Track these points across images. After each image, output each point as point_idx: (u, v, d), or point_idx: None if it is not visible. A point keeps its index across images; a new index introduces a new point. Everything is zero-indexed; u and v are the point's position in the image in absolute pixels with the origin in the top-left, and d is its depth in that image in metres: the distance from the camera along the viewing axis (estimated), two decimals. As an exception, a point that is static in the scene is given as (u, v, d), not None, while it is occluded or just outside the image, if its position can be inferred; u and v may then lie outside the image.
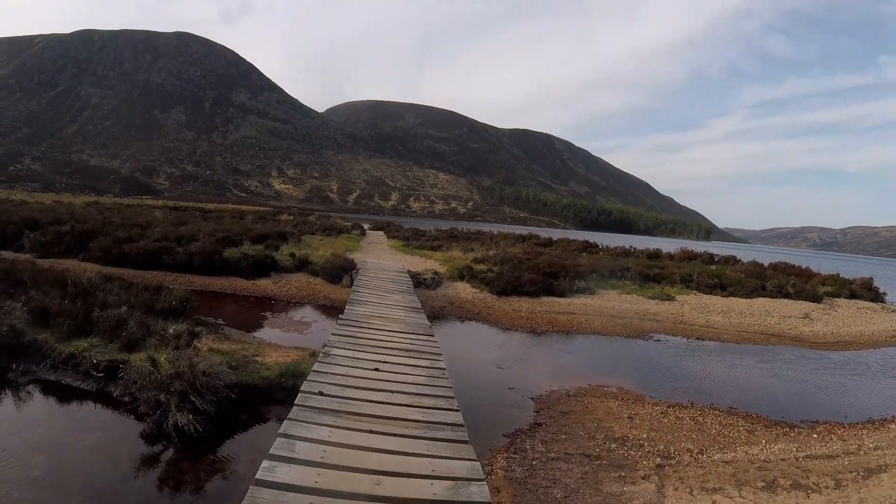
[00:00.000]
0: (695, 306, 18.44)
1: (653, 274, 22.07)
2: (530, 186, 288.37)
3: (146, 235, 19.43)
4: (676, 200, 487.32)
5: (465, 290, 16.98)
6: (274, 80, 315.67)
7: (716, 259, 33.80)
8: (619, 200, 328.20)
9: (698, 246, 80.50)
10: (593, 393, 9.05)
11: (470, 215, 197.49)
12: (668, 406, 8.75)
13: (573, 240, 39.30)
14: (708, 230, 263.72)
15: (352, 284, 14.19)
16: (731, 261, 33.70)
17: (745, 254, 47.14)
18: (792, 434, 8.13)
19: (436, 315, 14.07)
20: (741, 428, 8.13)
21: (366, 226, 48.54)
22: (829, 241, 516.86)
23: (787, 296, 21.80)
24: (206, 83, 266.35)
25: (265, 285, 15.90)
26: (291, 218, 47.14)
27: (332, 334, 7.70)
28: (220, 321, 11.33)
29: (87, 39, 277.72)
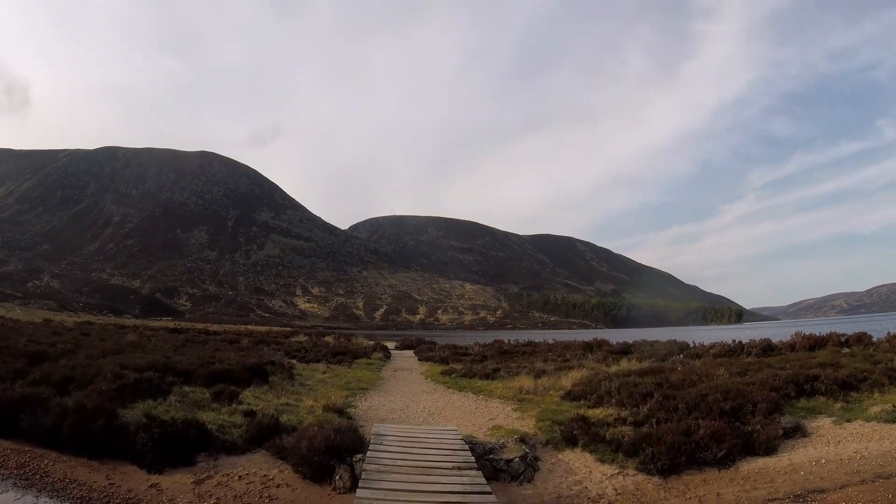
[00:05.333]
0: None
1: (845, 378, 13.10)
2: (557, 290, 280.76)
3: (26, 374, 11.62)
4: (701, 288, 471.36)
5: (588, 471, 8.40)
6: (296, 198, 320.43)
7: (843, 339, 24.54)
8: (646, 295, 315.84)
9: (731, 331, 70.52)
10: None
11: (500, 324, 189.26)
12: None
13: (653, 341, 30.35)
14: (738, 313, 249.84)
15: (353, 488, 6.49)
16: (864, 340, 24.25)
17: (785, 330, 38.14)
18: None
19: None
20: None
21: (391, 344, 40.26)
22: (856, 304, 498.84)
23: None
24: (228, 202, 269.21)
25: (176, 489, 7.63)
26: (306, 339, 39.52)
27: None
28: None
29: (111, 156, 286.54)
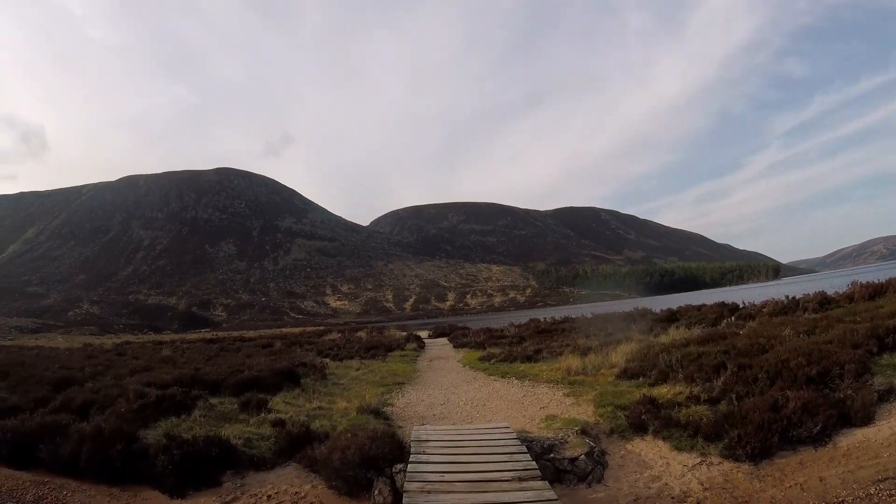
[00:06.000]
0: None
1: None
2: (585, 262, 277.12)
3: (48, 401, 10.96)
4: (734, 246, 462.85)
5: (665, 463, 7.31)
6: (316, 201, 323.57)
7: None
8: (678, 258, 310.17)
9: (773, 288, 67.11)
10: None
11: (530, 303, 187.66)
12: None
13: (699, 305, 28.67)
14: (776, 268, 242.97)
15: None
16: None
17: (829, 282, 35.59)
18: None
19: None
20: None
21: (424, 333, 39.46)
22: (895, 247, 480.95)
23: None
24: (251, 213, 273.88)
25: (201, 518, 6.85)
26: (339, 336, 38.99)
27: None
28: None
29: (132, 184, 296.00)
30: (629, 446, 7.93)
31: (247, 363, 16.78)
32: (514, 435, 7.37)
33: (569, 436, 7.65)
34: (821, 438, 7.34)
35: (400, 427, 9.36)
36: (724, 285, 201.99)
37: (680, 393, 9.30)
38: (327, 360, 19.97)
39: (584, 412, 9.36)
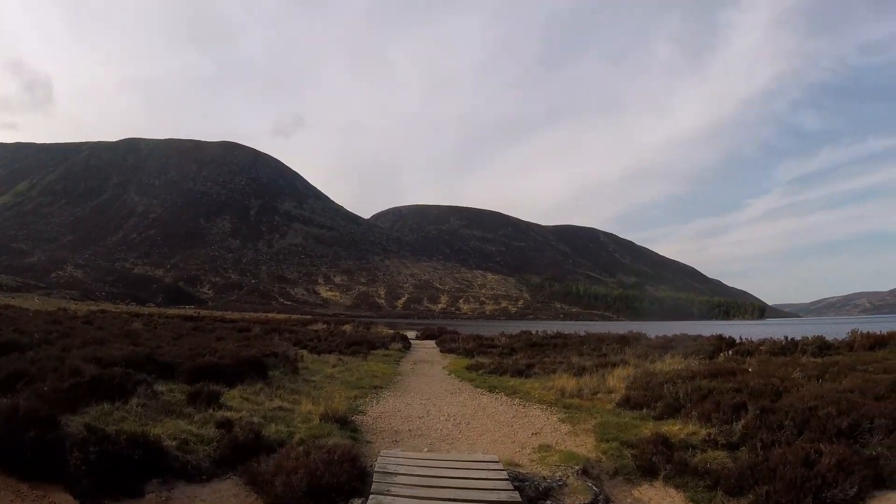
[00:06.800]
0: None
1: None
2: (579, 281, 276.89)
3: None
4: (724, 283, 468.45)
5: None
6: (320, 188, 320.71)
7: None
8: (669, 288, 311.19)
9: (759, 327, 67.04)
10: None
11: (521, 314, 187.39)
12: None
13: (696, 336, 27.58)
14: (761, 309, 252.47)
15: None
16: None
17: (813, 328, 35.00)
18: None
19: None
20: None
21: (412, 334, 38.30)
22: (879, 303, 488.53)
23: None
24: (251, 192, 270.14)
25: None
26: (323, 327, 37.72)
27: None
28: None
29: (133, 147, 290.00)
30: (636, 493, 6.61)
31: (213, 347, 15.42)
32: (503, 474, 5.96)
33: (568, 476, 6.33)
34: (854, 502, 6.17)
35: (369, 442, 8.07)
36: (711, 319, 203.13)
37: (694, 433, 8.02)
38: (304, 351, 18.75)
39: (584, 445, 8.04)
